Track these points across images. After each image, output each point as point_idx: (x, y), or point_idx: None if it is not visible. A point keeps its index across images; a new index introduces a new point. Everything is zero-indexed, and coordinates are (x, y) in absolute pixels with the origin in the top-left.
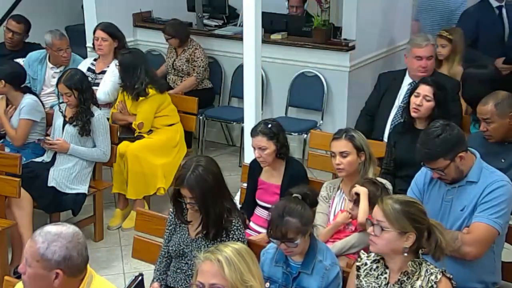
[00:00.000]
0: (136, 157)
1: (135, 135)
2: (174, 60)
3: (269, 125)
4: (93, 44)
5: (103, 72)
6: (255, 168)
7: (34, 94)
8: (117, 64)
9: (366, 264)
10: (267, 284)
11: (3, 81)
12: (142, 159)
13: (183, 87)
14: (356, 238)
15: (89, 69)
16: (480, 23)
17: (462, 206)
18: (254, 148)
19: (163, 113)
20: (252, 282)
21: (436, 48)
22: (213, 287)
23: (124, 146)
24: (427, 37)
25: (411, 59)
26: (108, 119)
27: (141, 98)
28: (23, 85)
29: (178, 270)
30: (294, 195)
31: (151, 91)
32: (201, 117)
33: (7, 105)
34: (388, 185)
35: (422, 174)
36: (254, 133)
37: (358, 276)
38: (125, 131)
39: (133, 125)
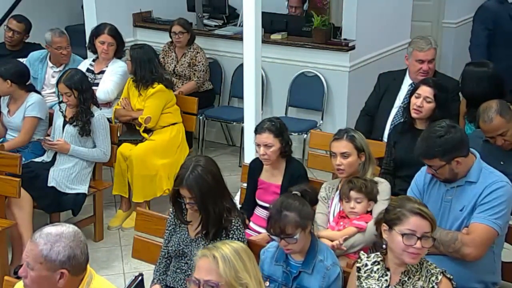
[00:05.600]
0: (142, 160)
1: (141, 130)
2: (175, 66)
3: (275, 123)
4: (93, 45)
5: (102, 72)
6: (255, 168)
7: (37, 92)
8: (128, 59)
9: (366, 265)
10: (267, 283)
11: (9, 81)
12: (148, 162)
13: (182, 91)
14: (356, 238)
15: (88, 70)
16: (498, 18)
17: (461, 206)
18: (259, 146)
19: (168, 111)
20: (247, 280)
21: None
22: (208, 283)
23: (127, 149)
24: (429, 40)
25: (413, 62)
26: (108, 119)
27: (149, 92)
28: (27, 83)
29: (178, 270)
30: (294, 192)
31: (160, 86)
32: (201, 117)
33: (9, 103)
34: (387, 184)
35: (422, 174)
36: (260, 130)
37: (358, 278)
38: (126, 133)
39: (139, 119)
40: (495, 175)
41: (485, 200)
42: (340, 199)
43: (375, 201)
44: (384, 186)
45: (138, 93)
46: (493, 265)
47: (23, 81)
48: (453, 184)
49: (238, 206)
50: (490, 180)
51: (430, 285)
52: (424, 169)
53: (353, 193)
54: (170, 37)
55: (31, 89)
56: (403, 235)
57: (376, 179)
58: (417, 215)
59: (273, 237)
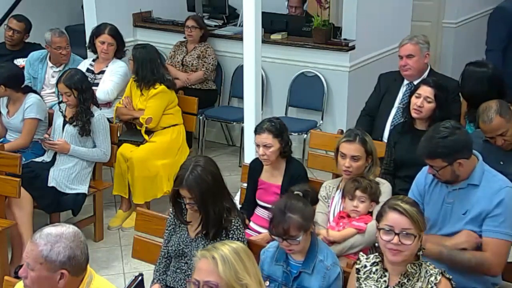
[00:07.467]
0: (142, 163)
1: (143, 130)
2: (184, 57)
3: (274, 123)
4: (93, 45)
5: (102, 72)
6: (255, 168)
7: (36, 92)
8: (130, 58)
9: (365, 266)
10: (267, 283)
11: (2, 86)
12: (149, 164)
13: (190, 78)
14: (356, 239)
15: (88, 70)
16: None
17: (464, 210)
18: (258, 146)
19: (169, 112)
20: (247, 280)
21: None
22: (208, 284)
23: (127, 150)
24: (411, 36)
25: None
26: (108, 119)
27: (152, 92)
28: (23, 85)
29: (178, 270)
30: (295, 192)
31: (162, 87)
32: (201, 117)
33: (8, 104)
34: (388, 185)
35: (423, 175)
36: (260, 130)
37: (358, 279)
38: (127, 133)
39: (140, 119)
40: (498, 179)
41: (495, 212)
42: (343, 196)
43: (377, 202)
44: (385, 188)
45: (140, 93)
46: None
47: (17, 85)
48: (455, 186)
49: (238, 206)
50: (495, 186)
51: (429, 286)
52: (425, 169)
53: (358, 192)
54: (184, 32)
55: (28, 90)
56: (379, 229)
57: (378, 180)
58: (394, 210)
59: (275, 237)
